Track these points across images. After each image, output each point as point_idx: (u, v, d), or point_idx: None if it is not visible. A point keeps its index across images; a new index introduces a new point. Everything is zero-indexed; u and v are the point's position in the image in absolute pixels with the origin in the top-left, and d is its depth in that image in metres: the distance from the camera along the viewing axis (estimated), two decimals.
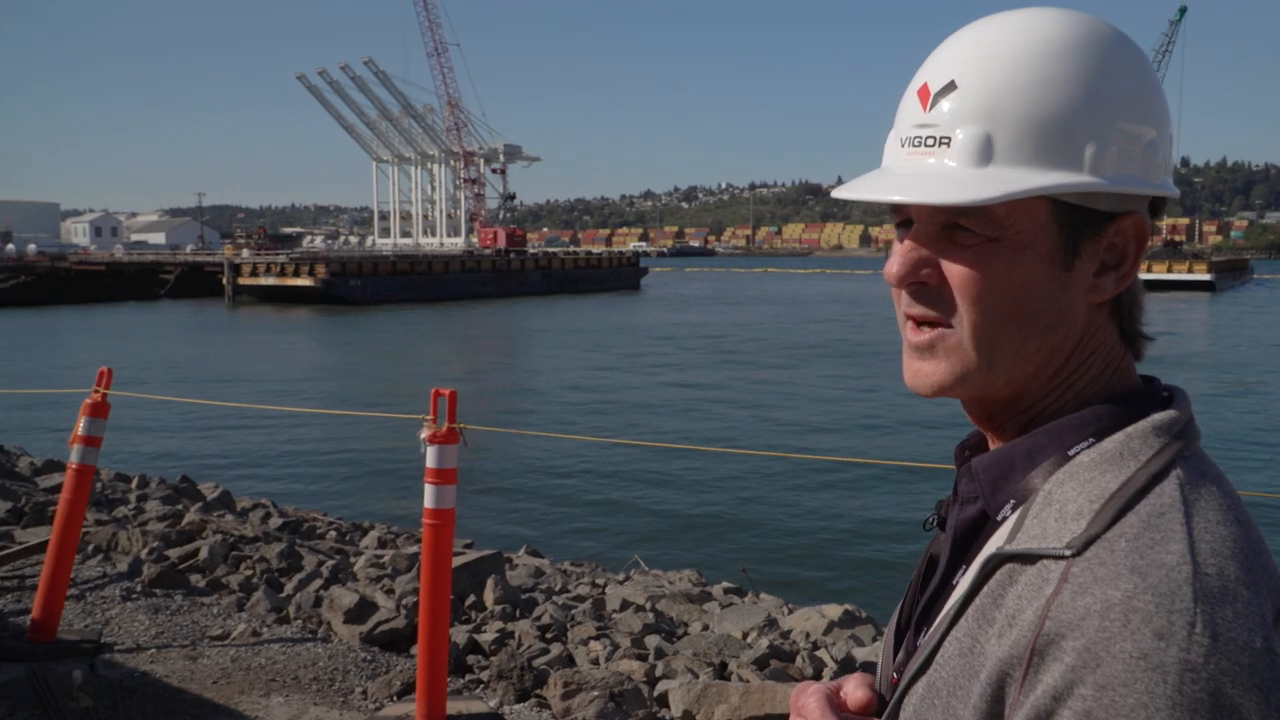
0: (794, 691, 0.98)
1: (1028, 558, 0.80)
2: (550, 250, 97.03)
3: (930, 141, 0.87)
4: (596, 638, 5.25)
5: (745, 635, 5.65)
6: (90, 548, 6.63)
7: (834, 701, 0.95)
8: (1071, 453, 0.85)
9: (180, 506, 8.54)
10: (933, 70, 0.89)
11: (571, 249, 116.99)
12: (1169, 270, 68.42)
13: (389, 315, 51.09)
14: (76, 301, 60.85)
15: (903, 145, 0.90)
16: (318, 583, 6.00)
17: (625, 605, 6.13)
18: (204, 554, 6.46)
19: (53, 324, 47.22)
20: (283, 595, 5.82)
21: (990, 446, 0.95)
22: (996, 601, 0.81)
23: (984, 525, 0.90)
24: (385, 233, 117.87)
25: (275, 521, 8.59)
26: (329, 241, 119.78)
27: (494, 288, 67.76)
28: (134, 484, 9.82)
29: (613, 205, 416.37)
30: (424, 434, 3.75)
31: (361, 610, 5.23)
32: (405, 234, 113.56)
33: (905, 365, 0.93)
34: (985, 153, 0.85)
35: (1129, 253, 0.88)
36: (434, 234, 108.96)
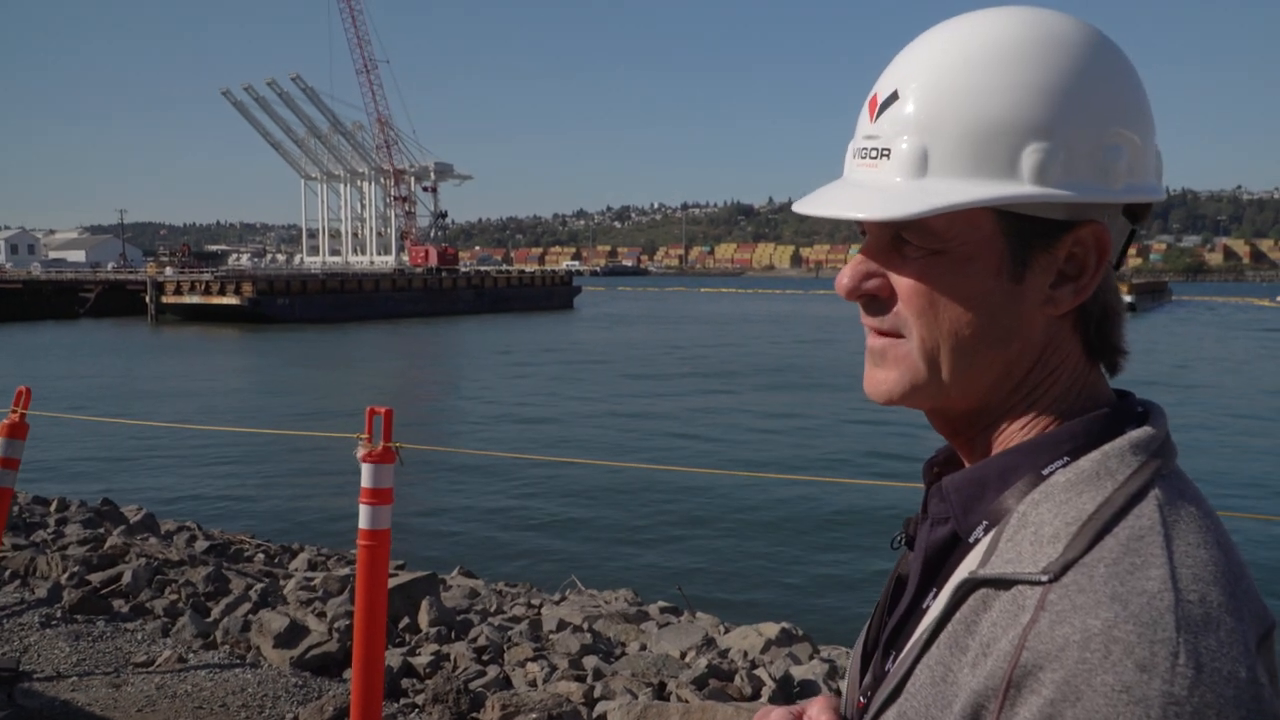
0: (756, 716, 0.96)
1: (1002, 583, 0.77)
2: (482, 269, 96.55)
3: (874, 153, 0.86)
4: (534, 659, 5.20)
5: (683, 655, 5.64)
6: (7, 573, 6.40)
7: None
8: (1046, 472, 0.82)
9: (102, 530, 8.29)
10: (884, 79, 0.88)
11: (504, 268, 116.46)
12: None
13: (318, 334, 50.33)
14: None
15: (854, 156, 0.89)
16: (246, 607, 5.86)
17: (562, 626, 6.09)
18: (127, 578, 6.27)
19: None
20: (209, 620, 5.67)
21: (961, 462, 0.93)
22: (970, 628, 0.77)
23: (955, 547, 0.87)
24: (314, 251, 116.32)
25: (201, 544, 8.39)
26: (256, 260, 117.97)
27: (425, 306, 67.21)
28: (53, 507, 9.49)
29: (545, 224, 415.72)
30: (359, 453, 3.69)
31: (292, 634, 5.11)
32: (334, 252, 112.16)
33: (865, 372, 0.91)
34: (921, 165, 0.83)
35: (1089, 264, 0.84)
36: (364, 252, 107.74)
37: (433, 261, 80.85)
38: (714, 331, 53.28)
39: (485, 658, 5.22)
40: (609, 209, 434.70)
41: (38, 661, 4.87)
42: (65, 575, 6.36)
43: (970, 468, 0.88)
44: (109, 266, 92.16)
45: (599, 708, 4.44)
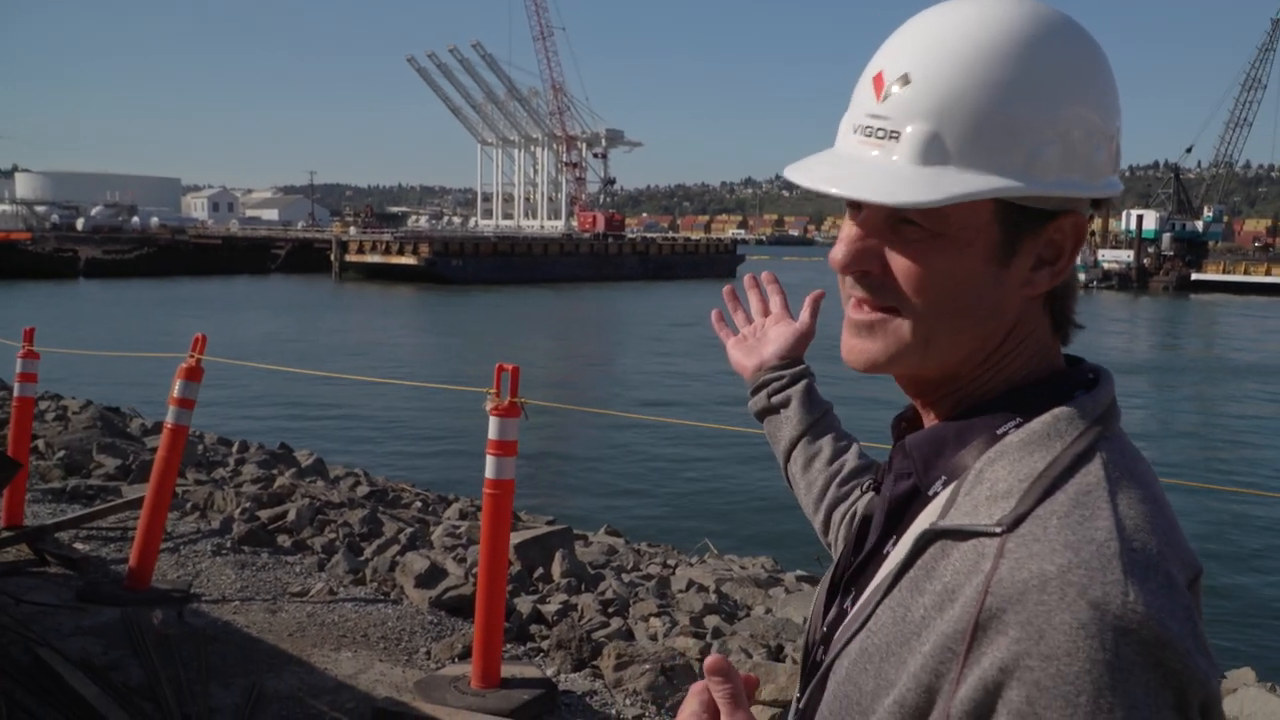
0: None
1: (960, 534, 0.84)
2: (648, 235, 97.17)
3: (880, 134, 0.88)
4: (657, 615, 5.36)
5: (805, 620, 5.69)
6: (189, 505, 7.00)
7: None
8: (1000, 432, 0.89)
9: (275, 471, 8.93)
10: (888, 58, 0.90)
11: (669, 235, 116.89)
12: (1267, 273, 69.21)
13: (488, 295, 52.00)
14: (194, 273, 63.70)
15: (855, 131, 0.91)
16: (395, 549, 6.23)
17: (690, 585, 6.23)
18: (292, 516, 6.77)
19: (172, 294, 49.36)
20: (361, 559, 6.07)
21: (923, 420, 0.99)
22: (929, 573, 0.84)
23: (915, 499, 0.93)
24: (488, 214, 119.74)
25: (363, 489, 8.91)
26: (433, 221, 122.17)
27: (591, 271, 68.30)
28: (235, 448, 10.28)
29: (712, 192, 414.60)
30: (488, 406, 3.90)
31: (432, 576, 5.43)
32: (507, 216, 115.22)
33: (843, 339, 0.96)
34: (932, 152, 0.86)
35: (1065, 249, 0.91)
36: (535, 216, 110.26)
37: (600, 227, 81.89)
38: None
39: (610, 610, 5.40)
40: (777, 177, 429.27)
41: (206, 586, 5.35)
42: (238, 510, 6.91)
43: (931, 427, 0.95)
44: (299, 225, 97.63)
45: None
